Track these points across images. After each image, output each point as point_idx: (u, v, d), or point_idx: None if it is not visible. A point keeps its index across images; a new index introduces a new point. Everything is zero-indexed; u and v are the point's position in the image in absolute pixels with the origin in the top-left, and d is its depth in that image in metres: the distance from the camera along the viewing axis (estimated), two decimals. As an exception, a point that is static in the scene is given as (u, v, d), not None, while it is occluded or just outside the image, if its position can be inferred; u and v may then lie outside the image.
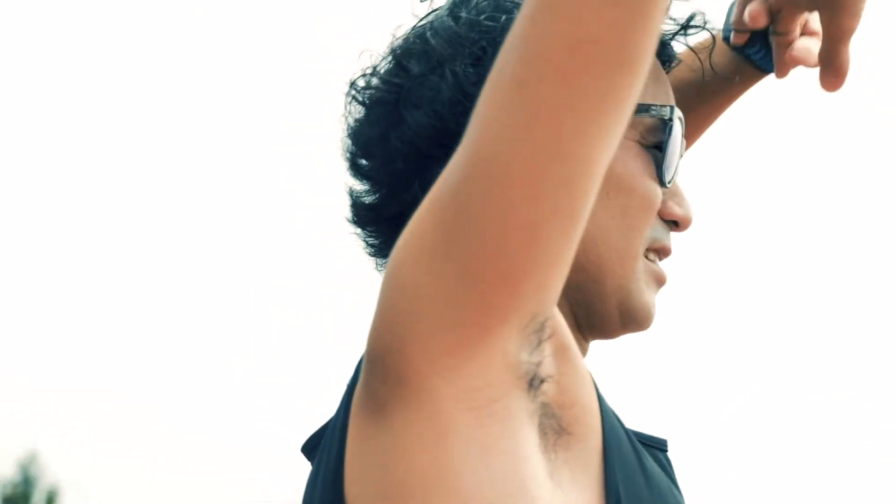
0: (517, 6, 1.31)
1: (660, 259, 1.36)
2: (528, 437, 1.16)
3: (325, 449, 1.25)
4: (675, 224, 1.36)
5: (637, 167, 1.32)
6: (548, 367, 1.18)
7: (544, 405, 1.18)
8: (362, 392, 1.19)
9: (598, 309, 1.32)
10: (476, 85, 1.23)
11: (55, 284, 36.59)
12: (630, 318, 1.33)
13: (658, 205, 1.33)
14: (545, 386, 1.18)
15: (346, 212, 1.37)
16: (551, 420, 1.19)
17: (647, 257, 1.34)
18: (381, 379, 1.16)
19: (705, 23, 1.40)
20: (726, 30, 1.49)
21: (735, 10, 1.45)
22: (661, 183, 1.33)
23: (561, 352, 1.20)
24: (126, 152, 36.33)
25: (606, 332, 1.34)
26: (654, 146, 1.33)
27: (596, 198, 1.17)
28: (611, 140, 1.10)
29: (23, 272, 36.77)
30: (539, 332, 1.15)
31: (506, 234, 1.09)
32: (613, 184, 1.29)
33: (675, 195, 1.35)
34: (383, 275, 1.16)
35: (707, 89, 1.51)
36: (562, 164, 1.08)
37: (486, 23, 1.30)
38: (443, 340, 1.12)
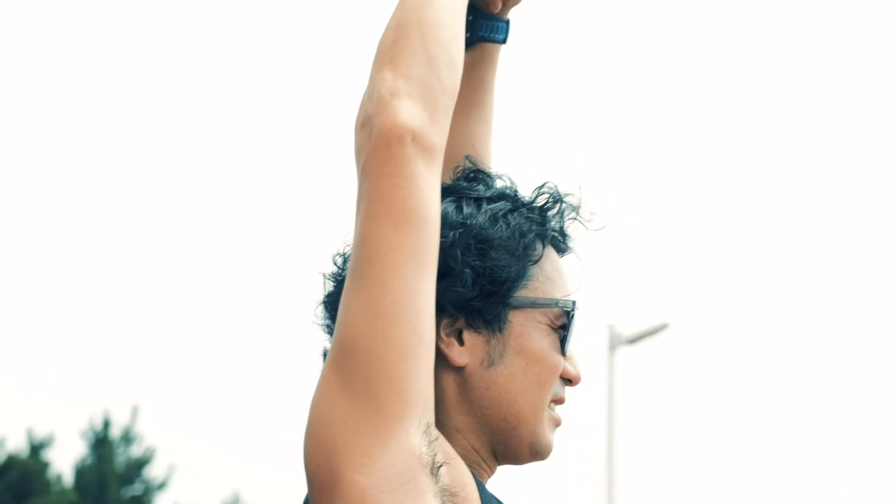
0: (463, 224, 1.75)
1: (556, 405, 1.80)
2: None
3: None
4: (569, 381, 1.81)
5: (547, 345, 1.76)
6: (441, 457, 1.61)
7: (444, 489, 1.61)
8: None
9: (513, 447, 1.77)
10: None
11: (57, 286, 36.96)
12: (536, 454, 1.78)
13: (560, 370, 1.78)
14: (442, 471, 1.61)
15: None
16: (451, 501, 1.63)
17: (549, 407, 1.78)
18: (318, 491, 1.59)
19: (576, 208, 1.84)
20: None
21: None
22: (563, 354, 1.78)
23: (445, 450, 1.65)
24: (129, 152, 36.26)
25: (517, 461, 1.79)
26: (560, 328, 1.78)
27: (519, 368, 1.74)
28: (435, 271, 1.63)
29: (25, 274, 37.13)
30: (429, 431, 1.60)
31: (385, 358, 1.57)
32: (531, 358, 1.75)
33: (570, 359, 1.80)
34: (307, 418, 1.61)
35: (479, 84, 1.97)
36: (412, 299, 1.59)
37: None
38: (359, 449, 1.56)
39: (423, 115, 1.64)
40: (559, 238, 1.83)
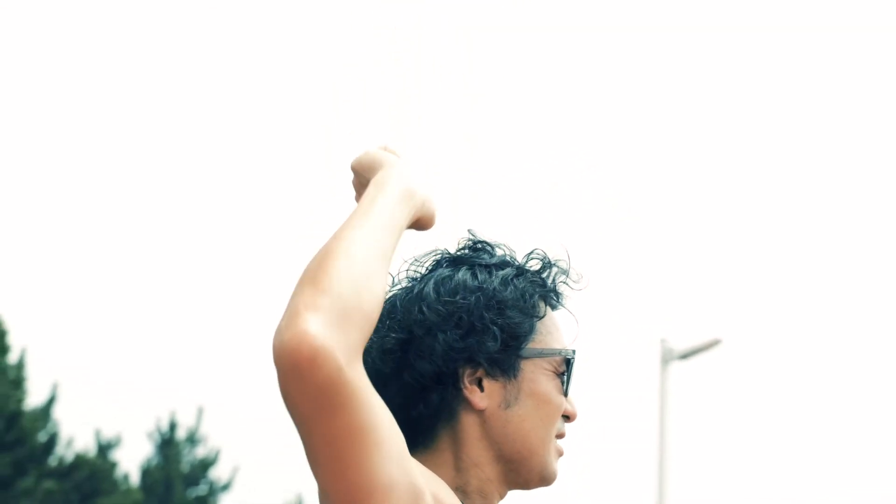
0: (480, 288, 1.99)
1: (559, 439, 2.04)
2: None
3: None
4: (567, 418, 2.06)
5: (552, 388, 2.02)
6: None
7: None
8: None
9: (524, 475, 2.02)
10: (460, 341, 1.96)
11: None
12: (544, 480, 2.03)
13: (563, 409, 2.03)
14: None
15: None
16: None
17: (553, 440, 2.03)
18: None
19: (566, 272, 2.09)
20: None
21: None
22: (565, 395, 2.03)
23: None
24: (179, 168, 36.47)
25: (527, 487, 2.04)
26: (561, 373, 2.03)
27: (530, 408, 2.01)
28: (391, 427, 1.76)
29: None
30: None
31: None
32: (541, 399, 2.01)
33: (568, 399, 2.05)
34: None
35: None
36: (381, 479, 1.75)
37: (460, 301, 1.98)
38: None
39: (336, 331, 1.71)
40: (554, 297, 2.09)
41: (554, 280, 2.11)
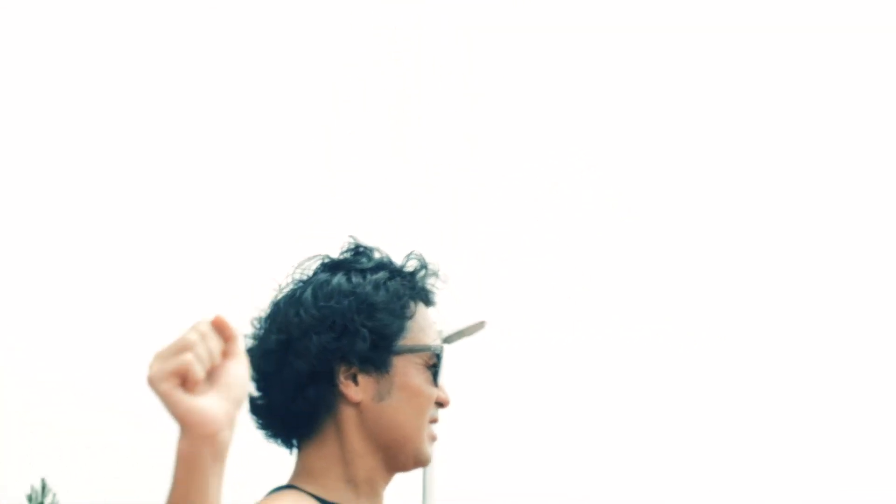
0: (353, 292, 2.15)
1: (432, 424, 2.21)
2: None
3: None
4: (440, 404, 2.22)
5: (423, 380, 2.18)
6: None
7: None
8: None
9: (401, 460, 2.18)
10: (333, 342, 2.12)
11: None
12: (419, 463, 2.21)
13: (435, 398, 2.20)
14: None
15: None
16: None
17: (427, 426, 2.20)
18: None
19: (432, 272, 2.25)
20: None
21: None
22: (436, 385, 2.20)
23: None
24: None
25: (405, 470, 2.21)
26: (432, 366, 2.20)
27: (403, 400, 2.16)
28: None
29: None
30: None
31: None
32: (412, 391, 2.17)
33: (440, 388, 2.22)
34: None
35: None
36: None
37: (334, 305, 2.15)
38: None
39: None
40: (426, 295, 2.26)
41: (423, 281, 2.26)
